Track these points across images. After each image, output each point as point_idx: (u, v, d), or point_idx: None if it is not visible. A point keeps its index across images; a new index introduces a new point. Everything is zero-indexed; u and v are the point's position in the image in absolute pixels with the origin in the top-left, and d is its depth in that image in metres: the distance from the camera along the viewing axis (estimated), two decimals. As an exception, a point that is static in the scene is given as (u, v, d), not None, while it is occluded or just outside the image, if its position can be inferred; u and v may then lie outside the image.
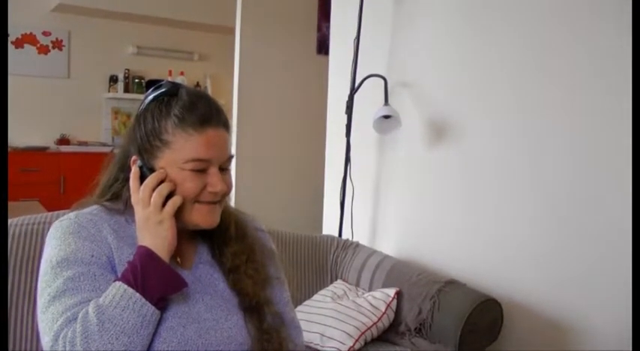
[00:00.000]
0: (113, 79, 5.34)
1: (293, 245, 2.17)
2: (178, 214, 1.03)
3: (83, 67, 5.24)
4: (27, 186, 4.55)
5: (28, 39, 5.01)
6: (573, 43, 1.88)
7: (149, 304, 0.93)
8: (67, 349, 0.89)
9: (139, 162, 1.05)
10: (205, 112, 1.03)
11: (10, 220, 1.46)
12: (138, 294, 0.93)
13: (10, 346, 1.39)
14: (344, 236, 2.49)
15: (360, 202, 2.54)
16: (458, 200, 2.23)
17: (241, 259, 1.12)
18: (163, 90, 1.06)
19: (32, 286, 1.42)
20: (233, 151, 1.09)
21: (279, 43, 3.98)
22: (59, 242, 1.01)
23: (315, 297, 2.08)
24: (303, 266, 2.17)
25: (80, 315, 0.91)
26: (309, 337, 1.85)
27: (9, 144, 4.59)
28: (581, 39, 1.85)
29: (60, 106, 5.15)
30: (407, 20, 2.41)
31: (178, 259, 1.08)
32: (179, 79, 5.33)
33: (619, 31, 1.70)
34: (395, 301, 1.97)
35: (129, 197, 1.05)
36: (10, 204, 2.80)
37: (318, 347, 1.86)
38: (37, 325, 1.00)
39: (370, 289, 2.11)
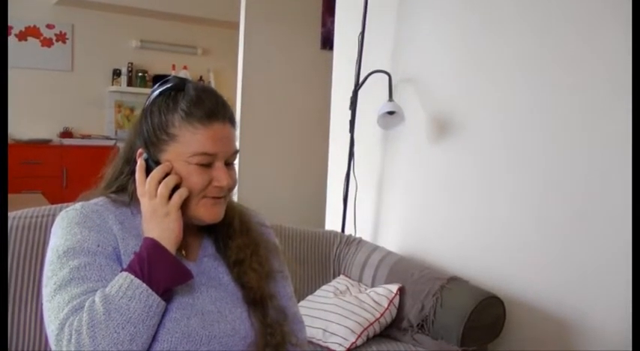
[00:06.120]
0: (116, 73, 5.35)
1: (296, 240, 2.17)
2: (183, 208, 1.03)
3: (86, 60, 5.25)
4: (29, 179, 4.56)
5: (32, 32, 5.01)
6: (582, 37, 1.87)
7: (155, 295, 0.94)
8: (73, 337, 0.89)
9: (144, 155, 1.05)
10: (212, 107, 1.03)
11: (12, 213, 1.45)
12: (144, 284, 0.93)
13: (14, 339, 1.40)
14: (347, 232, 2.49)
15: (364, 198, 2.54)
16: (461, 197, 2.23)
17: (246, 253, 1.13)
18: (170, 85, 1.07)
19: (35, 279, 1.42)
20: (237, 145, 1.09)
21: (283, 38, 3.97)
22: (65, 232, 1.01)
23: (318, 292, 2.08)
24: (305, 261, 2.17)
25: (87, 304, 0.92)
26: (311, 332, 1.85)
27: (12, 137, 4.60)
28: (591, 33, 1.84)
29: (63, 100, 5.16)
30: (411, 15, 2.41)
31: (183, 252, 1.08)
32: (182, 74, 5.34)
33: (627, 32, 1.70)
34: (397, 297, 1.97)
35: (134, 190, 1.06)
36: (13, 196, 2.80)
37: (321, 342, 1.86)
38: (41, 316, 1.01)
39: (373, 285, 2.11)
